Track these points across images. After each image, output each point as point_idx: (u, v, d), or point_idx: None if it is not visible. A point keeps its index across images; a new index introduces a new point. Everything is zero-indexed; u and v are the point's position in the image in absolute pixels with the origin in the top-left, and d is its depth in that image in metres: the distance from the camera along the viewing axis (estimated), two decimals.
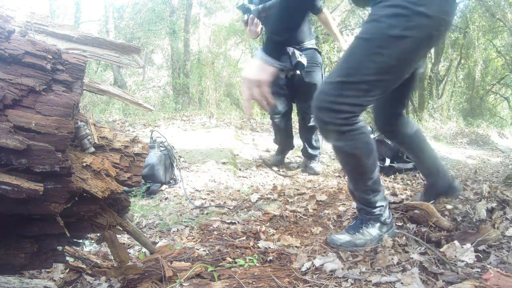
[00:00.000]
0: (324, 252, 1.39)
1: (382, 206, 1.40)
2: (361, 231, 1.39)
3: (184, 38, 10.68)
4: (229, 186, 2.52)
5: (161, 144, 2.42)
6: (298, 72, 2.60)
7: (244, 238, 1.60)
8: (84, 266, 1.00)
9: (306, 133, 2.92)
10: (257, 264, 1.32)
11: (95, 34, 0.87)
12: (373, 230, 1.39)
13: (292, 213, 1.95)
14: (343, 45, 2.81)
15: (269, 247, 1.49)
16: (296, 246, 1.51)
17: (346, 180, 1.73)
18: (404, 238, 1.44)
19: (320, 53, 2.83)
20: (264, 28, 2.60)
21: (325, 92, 1.20)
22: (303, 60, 2.51)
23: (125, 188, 0.99)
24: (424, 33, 1.11)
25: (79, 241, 0.85)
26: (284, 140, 3.07)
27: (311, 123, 2.82)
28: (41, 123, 0.65)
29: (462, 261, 1.15)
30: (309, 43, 2.75)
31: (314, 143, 2.94)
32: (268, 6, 2.34)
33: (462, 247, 1.23)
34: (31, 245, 0.64)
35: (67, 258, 0.95)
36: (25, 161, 0.60)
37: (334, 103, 1.17)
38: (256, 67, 1.17)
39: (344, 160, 1.38)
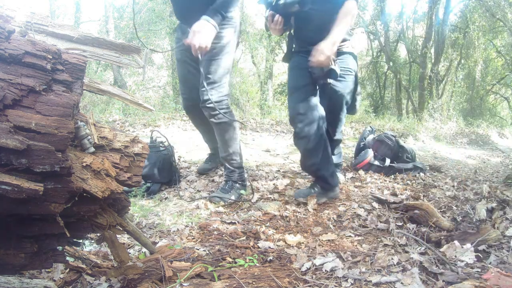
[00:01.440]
0: (324, 252, 1.39)
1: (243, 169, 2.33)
2: (232, 191, 2.19)
3: None
4: None
5: (161, 144, 2.42)
6: (330, 81, 2.16)
7: (244, 238, 1.60)
8: (84, 266, 1.00)
9: (330, 145, 2.59)
10: (257, 264, 1.32)
11: (95, 34, 0.87)
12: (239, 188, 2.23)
13: (292, 213, 1.95)
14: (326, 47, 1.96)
15: (269, 247, 1.49)
16: (296, 246, 1.51)
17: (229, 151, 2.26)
18: (404, 238, 1.44)
19: (356, 58, 2.37)
20: (292, 25, 2.24)
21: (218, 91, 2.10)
22: (337, 67, 2.07)
23: (125, 188, 0.99)
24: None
25: (79, 241, 0.85)
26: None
27: (337, 137, 2.59)
28: (41, 123, 0.65)
29: (462, 261, 1.16)
30: (345, 45, 2.29)
31: (336, 152, 2.75)
32: (289, 1, 2.14)
33: (462, 247, 1.23)
34: (31, 245, 0.64)
35: (67, 258, 0.95)
36: (25, 161, 0.60)
37: (220, 98, 2.09)
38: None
39: (225, 131, 2.17)
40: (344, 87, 2.32)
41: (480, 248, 1.27)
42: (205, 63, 2.01)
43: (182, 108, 2.53)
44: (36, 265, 0.66)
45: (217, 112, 2.06)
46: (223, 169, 2.52)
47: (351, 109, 2.52)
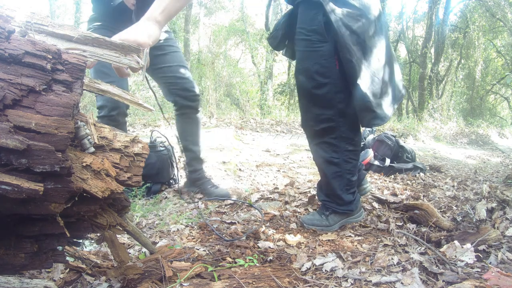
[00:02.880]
0: (324, 252, 1.39)
1: None
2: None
3: (184, 38, 10.68)
4: (229, 186, 2.52)
5: (161, 144, 2.42)
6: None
7: (244, 238, 1.60)
8: (84, 266, 1.00)
9: None
10: (257, 264, 1.32)
11: (95, 34, 0.87)
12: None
13: (292, 213, 1.95)
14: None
15: (269, 247, 1.49)
16: (296, 246, 1.51)
17: None
18: (404, 238, 1.44)
19: (319, 8, 1.40)
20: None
21: None
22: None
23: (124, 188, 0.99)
24: None
25: (79, 241, 0.85)
26: None
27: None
28: (41, 123, 0.65)
29: (462, 261, 1.16)
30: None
31: None
32: None
33: (462, 247, 1.23)
34: (31, 245, 0.64)
35: (67, 258, 0.95)
36: (25, 161, 0.60)
37: None
38: None
39: (200, 122, 2.23)
40: (298, 60, 1.50)
41: (480, 248, 1.27)
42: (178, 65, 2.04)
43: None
44: (36, 265, 0.66)
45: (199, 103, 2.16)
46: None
47: (361, 120, 1.49)
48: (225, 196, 2.17)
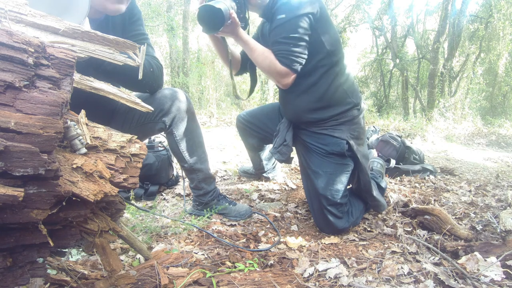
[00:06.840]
0: (328, 257, 1.33)
1: None
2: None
3: (183, 35, 10.59)
4: (229, 186, 2.47)
5: (159, 144, 2.37)
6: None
7: (244, 240, 1.54)
8: (68, 278, 0.92)
9: None
10: (258, 269, 1.26)
11: (85, 28, 0.81)
12: None
13: (293, 214, 1.90)
14: None
15: (270, 251, 1.43)
16: (298, 250, 1.46)
17: None
18: (414, 245, 1.35)
19: None
20: None
21: None
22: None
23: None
24: None
25: (64, 250, 0.79)
26: None
27: None
28: (22, 122, 0.59)
29: (486, 276, 1.04)
30: None
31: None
32: None
33: (486, 260, 1.12)
34: (3, 259, 0.58)
35: (49, 270, 0.86)
36: (1, 164, 0.54)
37: None
38: None
39: None
40: None
41: (509, 263, 1.13)
42: None
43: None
44: (8, 282, 0.59)
45: None
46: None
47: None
48: (247, 213, 1.84)
